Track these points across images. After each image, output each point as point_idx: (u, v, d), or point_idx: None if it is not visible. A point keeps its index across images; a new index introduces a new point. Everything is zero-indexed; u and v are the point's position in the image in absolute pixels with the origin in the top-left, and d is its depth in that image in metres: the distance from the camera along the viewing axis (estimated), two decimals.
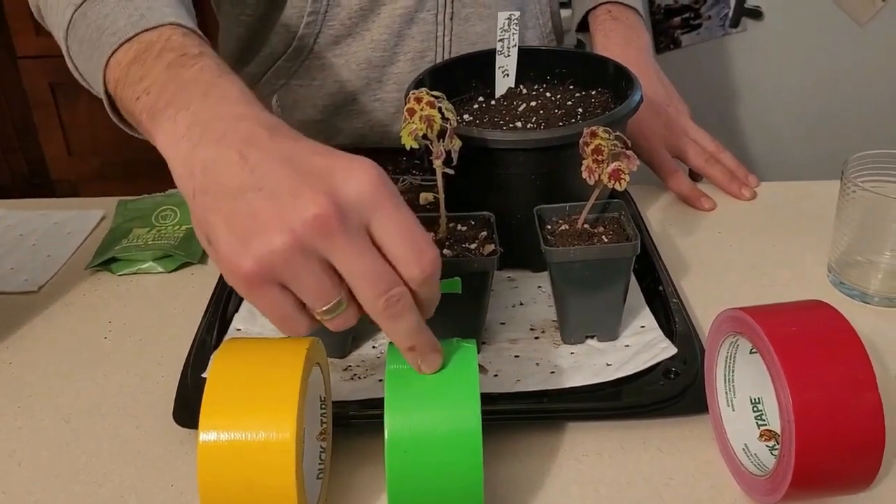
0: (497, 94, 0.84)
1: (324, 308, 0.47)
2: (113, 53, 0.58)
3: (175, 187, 0.92)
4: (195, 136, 0.49)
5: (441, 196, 0.64)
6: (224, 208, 0.46)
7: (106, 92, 0.60)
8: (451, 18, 0.95)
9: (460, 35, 0.96)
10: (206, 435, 0.47)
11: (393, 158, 0.81)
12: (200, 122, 0.50)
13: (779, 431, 0.50)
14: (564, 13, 1.13)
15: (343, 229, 0.45)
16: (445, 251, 0.64)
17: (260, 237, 0.45)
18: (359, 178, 0.46)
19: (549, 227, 0.67)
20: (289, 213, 0.44)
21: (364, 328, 0.70)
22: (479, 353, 0.66)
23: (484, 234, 0.66)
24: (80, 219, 0.91)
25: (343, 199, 0.45)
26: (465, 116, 0.79)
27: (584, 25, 1.05)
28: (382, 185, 0.46)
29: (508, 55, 0.82)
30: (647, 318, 0.70)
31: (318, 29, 0.92)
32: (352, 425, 0.60)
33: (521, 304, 0.73)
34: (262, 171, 0.46)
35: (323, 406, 0.57)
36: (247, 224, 0.45)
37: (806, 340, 0.50)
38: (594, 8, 1.02)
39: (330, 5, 0.91)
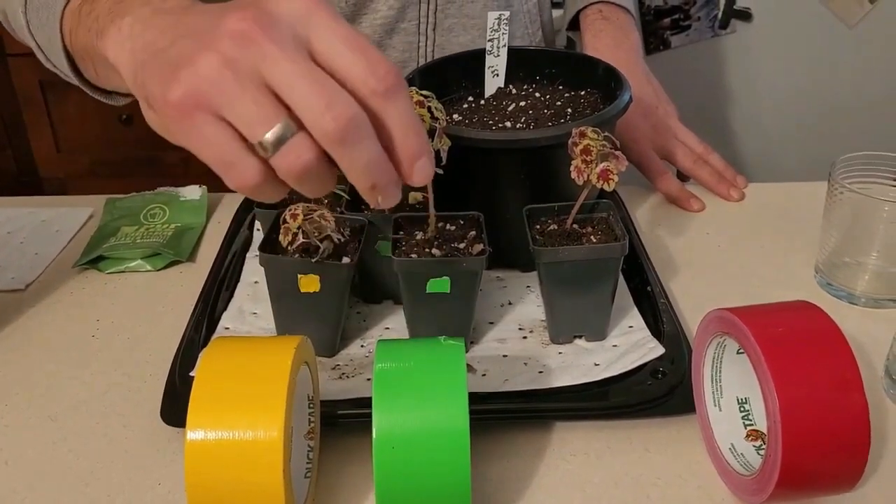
0: (486, 94, 0.84)
1: (268, 136, 0.41)
2: (66, 5, 0.60)
3: (164, 186, 0.93)
4: (136, 31, 0.49)
5: (430, 195, 0.64)
6: (156, 64, 0.44)
7: (66, 50, 0.61)
8: (434, 29, 0.95)
9: (443, 45, 0.96)
10: (193, 433, 0.47)
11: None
12: (143, 20, 0.49)
13: (765, 431, 0.50)
14: (556, 13, 1.13)
15: (273, 38, 0.41)
16: (434, 251, 0.64)
17: (186, 66, 0.41)
18: None
19: (537, 226, 0.67)
20: (212, 35, 0.41)
21: (352, 327, 0.70)
22: (467, 352, 0.67)
23: (473, 233, 0.66)
24: (68, 217, 0.90)
25: (273, 12, 0.42)
26: (455, 116, 0.79)
27: (574, 24, 1.06)
28: (321, 8, 0.42)
29: (498, 55, 0.82)
30: (635, 319, 0.70)
31: None
32: (340, 424, 0.60)
33: (510, 303, 0.73)
34: (191, 22, 0.45)
35: (311, 405, 0.57)
36: (173, 59, 0.43)
37: (793, 341, 0.50)
38: (585, 7, 1.03)
39: None
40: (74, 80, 0.64)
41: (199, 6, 0.48)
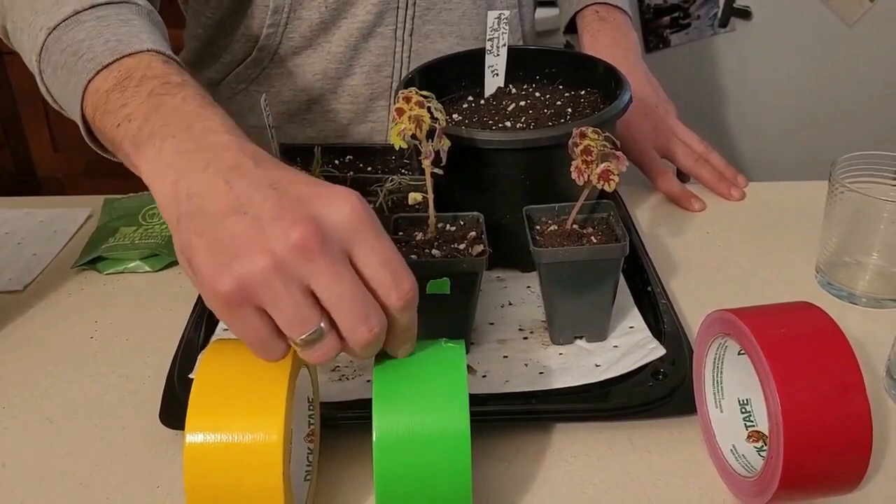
0: (486, 94, 0.83)
1: (302, 337, 0.46)
2: (91, 80, 0.57)
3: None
4: (181, 165, 0.49)
5: (430, 196, 0.64)
6: (207, 231, 0.46)
7: (83, 117, 0.59)
8: (411, 34, 0.94)
9: (419, 52, 0.96)
10: (192, 436, 0.46)
11: (382, 158, 0.81)
12: (185, 152, 0.49)
13: (767, 433, 0.50)
14: (547, 12, 1.13)
15: (324, 253, 0.45)
16: (434, 251, 0.64)
17: (241, 258, 0.45)
18: (341, 205, 0.46)
19: (538, 227, 0.67)
20: (270, 235, 0.44)
21: None
22: (467, 353, 0.66)
23: (473, 234, 0.66)
24: (66, 217, 0.90)
25: (325, 225, 0.45)
26: (455, 116, 0.79)
27: (571, 27, 1.05)
28: (364, 213, 0.47)
29: (498, 55, 0.81)
30: (635, 319, 0.70)
31: (278, 40, 0.92)
32: (340, 426, 0.59)
33: (510, 304, 0.73)
34: (246, 197, 0.46)
35: (311, 407, 0.57)
36: (228, 246, 0.45)
37: (794, 342, 0.50)
38: (582, 9, 1.02)
39: (290, 18, 0.91)
40: (84, 135, 0.62)
41: (241, 157, 0.48)
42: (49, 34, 0.62)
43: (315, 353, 0.47)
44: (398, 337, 0.49)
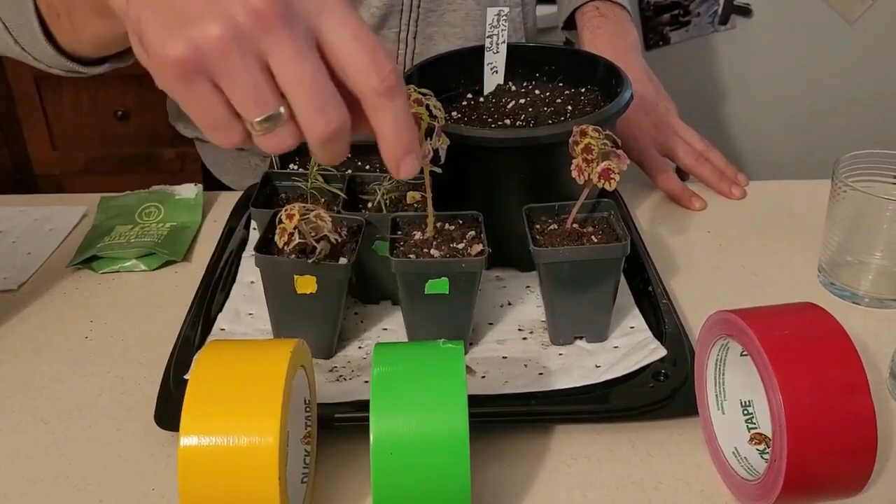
0: (485, 92, 0.83)
1: (259, 117, 0.42)
2: None
3: (161, 183, 0.92)
4: None
5: (428, 195, 0.64)
6: (157, 4, 0.42)
7: (38, 12, 0.58)
8: (415, 37, 0.94)
9: (423, 53, 0.95)
10: (186, 439, 0.46)
11: (380, 156, 0.80)
12: None
13: (769, 435, 0.49)
14: (545, 9, 1.12)
15: (287, 26, 0.41)
16: (433, 251, 0.63)
17: (194, 23, 0.41)
18: None
19: (537, 226, 0.66)
20: (228, 1, 0.41)
21: (350, 328, 0.69)
22: (466, 353, 0.66)
23: (472, 233, 0.65)
24: (61, 215, 0.89)
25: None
26: (454, 114, 0.78)
27: (570, 24, 1.05)
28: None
29: (497, 52, 0.81)
30: (636, 319, 0.69)
31: None
32: (337, 428, 0.59)
33: (510, 304, 0.72)
34: None
35: (308, 409, 0.56)
36: (181, 12, 0.41)
37: (797, 344, 0.49)
38: (581, 5, 1.02)
39: None
40: (47, 50, 0.61)
41: None
42: None
43: (271, 141, 0.43)
44: (390, 135, 0.45)
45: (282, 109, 0.43)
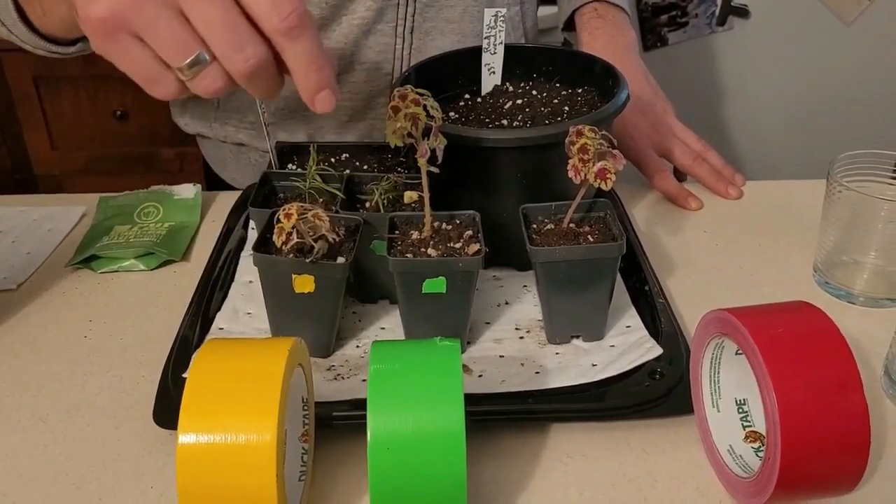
0: (483, 92, 0.83)
1: (184, 63, 0.45)
2: None
3: (161, 182, 0.92)
4: None
5: (426, 194, 0.64)
6: None
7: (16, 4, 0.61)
8: (412, 32, 0.94)
9: (420, 48, 0.95)
10: (184, 437, 0.46)
11: (378, 156, 0.80)
12: None
13: (764, 433, 0.49)
14: (547, 10, 1.12)
15: None
16: (430, 250, 0.63)
17: None
18: None
19: (534, 226, 0.67)
20: None
21: (348, 328, 0.70)
22: (463, 352, 0.66)
23: (469, 233, 0.65)
24: (60, 215, 0.90)
25: None
26: (451, 114, 0.79)
27: (570, 25, 1.05)
28: None
29: (495, 52, 0.81)
30: (632, 318, 0.69)
31: None
32: (335, 426, 0.59)
33: (507, 303, 0.73)
34: None
35: (305, 407, 0.57)
36: None
37: (791, 342, 0.49)
38: (580, 7, 1.02)
39: None
40: (21, 31, 0.64)
41: None
42: None
43: (201, 83, 0.47)
44: (300, 72, 0.48)
45: (205, 54, 0.45)
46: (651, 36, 1.83)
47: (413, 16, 0.94)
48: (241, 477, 0.46)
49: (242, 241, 0.82)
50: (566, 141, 0.63)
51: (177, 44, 0.45)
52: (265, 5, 0.46)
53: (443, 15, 0.96)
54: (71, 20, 0.53)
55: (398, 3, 0.92)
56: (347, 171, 0.75)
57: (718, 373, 0.58)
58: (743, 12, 1.80)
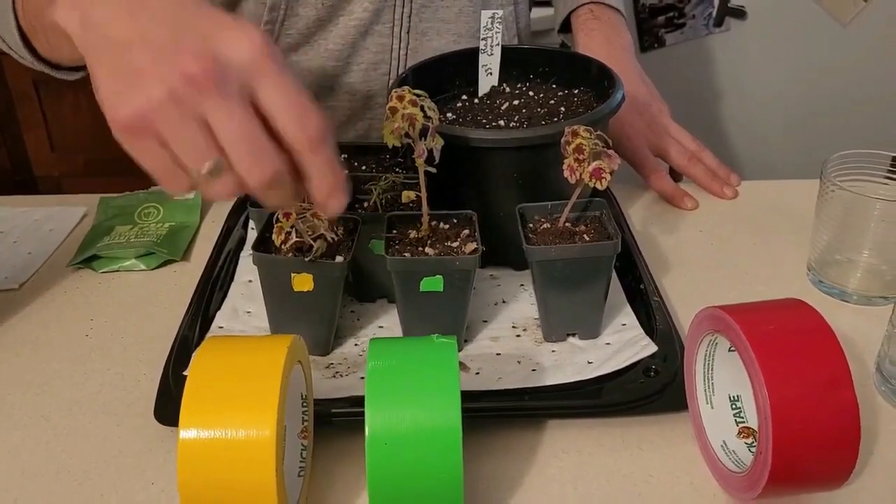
0: (480, 93, 0.84)
1: (203, 169, 0.47)
2: None
3: (157, 186, 0.93)
4: (86, 1, 0.49)
5: (423, 194, 0.65)
6: (107, 61, 0.47)
7: (17, 23, 0.61)
8: (408, 32, 0.95)
9: (416, 49, 0.96)
10: (186, 432, 0.47)
11: (376, 156, 0.81)
12: None
13: (756, 429, 0.50)
14: (542, 12, 1.13)
15: (220, 89, 0.46)
16: (428, 249, 0.64)
17: (137, 88, 0.46)
18: (243, 42, 0.47)
19: (531, 225, 0.67)
20: (167, 66, 0.46)
21: (346, 326, 0.70)
22: (460, 350, 0.67)
23: (466, 232, 0.66)
24: (61, 216, 0.90)
25: (224, 61, 0.46)
26: (448, 115, 0.79)
27: (566, 26, 1.06)
28: (266, 51, 0.47)
29: (492, 54, 0.82)
30: (628, 317, 0.70)
31: (275, 37, 0.92)
32: (333, 423, 0.60)
33: (504, 301, 0.73)
34: (148, 28, 0.47)
35: (304, 404, 0.57)
36: (127, 76, 0.46)
37: (783, 338, 0.50)
38: (576, 8, 1.03)
39: (287, 15, 0.91)
40: (25, 56, 0.65)
41: None
42: None
43: (214, 188, 0.48)
44: (316, 182, 0.50)
45: (220, 160, 0.47)
46: (648, 37, 1.84)
47: (409, 16, 0.94)
48: (242, 472, 0.47)
49: (242, 240, 0.82)
50: (562, 141, 0.63)
51: (197, 151, 0.46)
52: (292, 120, 0.48)
53: (439, 15, 0.96)
54: (79, 57, 0.54)
55: (394, 4, 0.93)
56: (346, 171, 0.75)
57: (712, 370, 0.58)
58: (740, 14, 1.80)
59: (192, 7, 0.48)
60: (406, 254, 0.64)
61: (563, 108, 0.79)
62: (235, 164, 0.47)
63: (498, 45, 0.81)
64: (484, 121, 0.78)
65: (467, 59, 0.84)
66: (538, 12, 1.14)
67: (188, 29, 0.47)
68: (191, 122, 0.46)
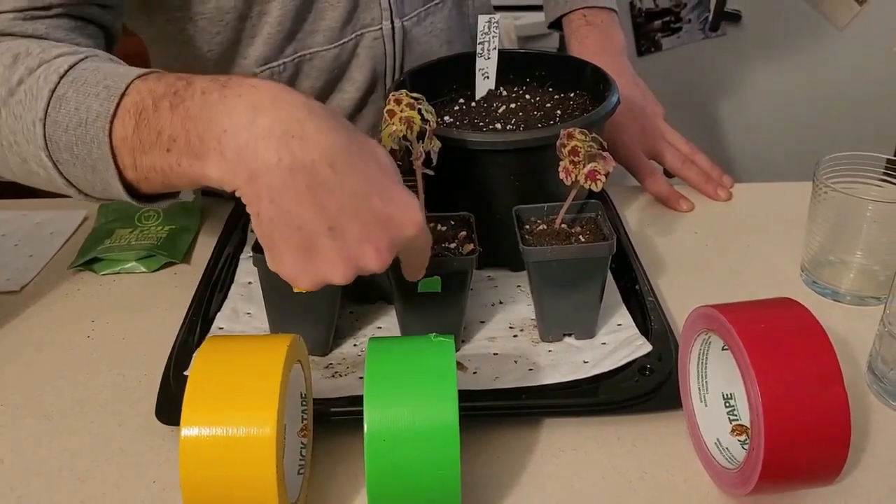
0: (477, 97, 0.85)
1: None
2: (111, 133, 0.56)
3: None
4: (249, 159, 0.50)
5: (421, 196, 0.65)
6: (293, 240, 0.52)
7: (121, 178, 0.58)
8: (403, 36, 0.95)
9: (411, 51, 0.95)
10: (187, 430, 0.48)
11: None
12: (246, 145, 0.51)
13: (749, 426, 0.51)
14: (536, 18, 1.14)
15: (390, 259, 0.54)
16: None
17: (322, 269, 0.52)
18: (410, 227, 0.53)
19: (527, 226, 0.68)
20: (354, 253, 0.52)
21: (345, 327, 0.71)
22: (458, 350, 0.67)
23: (463, 233, 0.67)
24: (62, 219, 0.91)
25: (396, 244, 0.54)
26: (446, 118, 0.80)
27: (556, 24, 1.06)
28: (423, 229, 0.55)
29: (489, 58, 0.83)
30: (623, 317, 0.71)
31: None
32: (332, 422, 0.60)
33: (501, 302, 0.74)
34: (332, 216, 0.51)
35: (304, 403, 0.58)
36: (315, 256, 0.52)
37: (775, 337, 0.51)
38: (569, 12, 1.03)
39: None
40: (121, 196, 0.60)
41: (310, 150, 0.51)
42: (44, 124, 0.58)
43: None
44: (410, 262, 0.59)
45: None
46: (645, 41, 1.85)
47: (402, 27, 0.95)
48: (242, 468, 0.47)
49: (242, 243, 0.83)
50: (557, 143, 0.64)
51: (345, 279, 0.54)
52: (415, 270, 0.60)
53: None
54: (196, 186, 0.55)
55: (384, 75, 0.93)
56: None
57: (706, 368, 0.59)
58: (735, 18, 1.81)
59: (363, 179, 0.52)
60: None
61: (559, 112, 0.80)
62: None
63: (495, 48, 0.82)
64: (481, 124, 0.79)
65: (464, 64, 0.84)
66: (533, 17, 1.15)
67: (368, 212, 0.52)
68: (354, 272, 0.54)
